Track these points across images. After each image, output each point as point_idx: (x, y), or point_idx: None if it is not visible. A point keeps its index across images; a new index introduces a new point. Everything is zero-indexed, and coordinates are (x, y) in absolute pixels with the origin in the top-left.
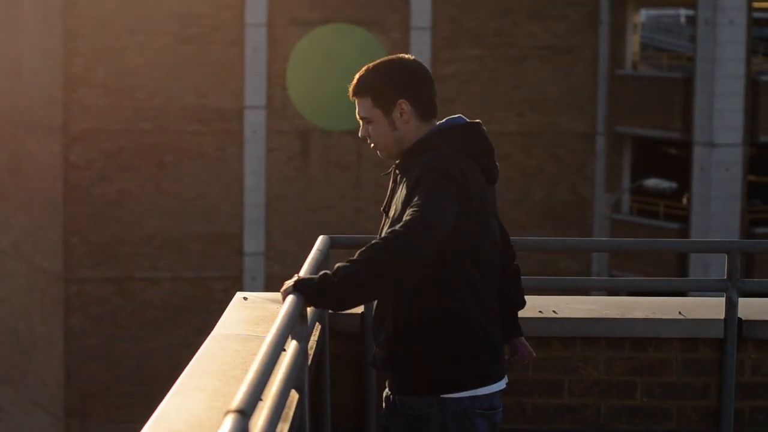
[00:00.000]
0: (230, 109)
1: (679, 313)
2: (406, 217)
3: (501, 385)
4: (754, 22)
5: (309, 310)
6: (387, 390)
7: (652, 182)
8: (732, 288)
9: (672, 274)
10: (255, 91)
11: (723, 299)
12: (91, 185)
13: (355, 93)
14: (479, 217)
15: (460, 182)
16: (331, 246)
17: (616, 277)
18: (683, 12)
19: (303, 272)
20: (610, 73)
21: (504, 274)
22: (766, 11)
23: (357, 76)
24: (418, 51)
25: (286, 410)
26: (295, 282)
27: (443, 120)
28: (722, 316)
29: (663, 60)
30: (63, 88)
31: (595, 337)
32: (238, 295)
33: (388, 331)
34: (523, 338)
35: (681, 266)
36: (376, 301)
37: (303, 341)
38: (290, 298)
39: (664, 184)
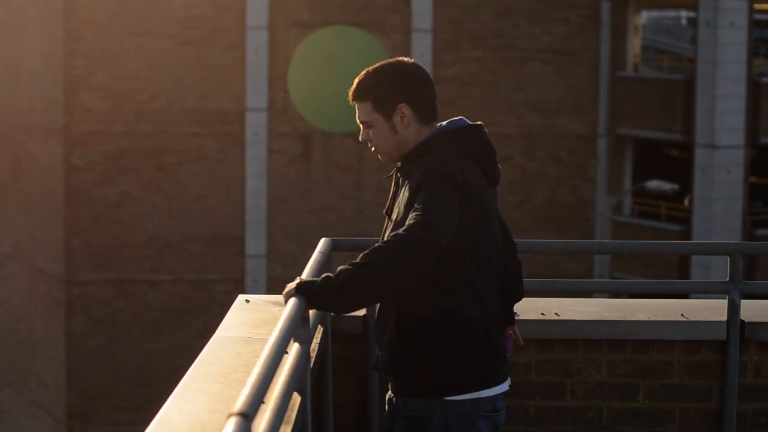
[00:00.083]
0: (231, 112)
1: (682, 315)
2: (408, 221)
3: (504, 387)
4: (755, 24)
5: (311, 312)
6: (389, 392)
7: (653, 184)
8: (734, 290)
9: (674, 276)
10: (256, 94)
11: (725, 301)
12: (92, 187)
13: (355, 98)
14: (480, 219)
15: (461, 185)
16: (333, 248)
17: (619, 280)
18: (684, 14)
19: (305, 275)
20: (611, 75)
21: (505, 275)
22: (767, 13)
23: (356, 81)
24: (419, 53)
25: (288, 413)
26: (297, 284)
27: (444, 122)
28: (724, 318)
29: (664, 62)
30: (64, 90)
31: (598, 339)
32: (240, 298)
33: (391, 333)
34: (515, 328)
35: (683, 268)
36: (378, 304)
37: (305, 344)
38: (292, 300)
39: (665, 186)
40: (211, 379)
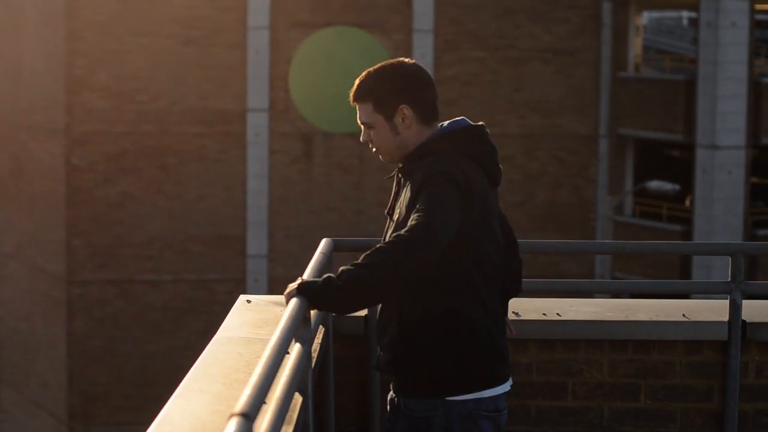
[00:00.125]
0: (233, 112)
1: (683, 315)
2: (410, 222)
3: (506, 387)
4: (756, 25)
5: (312, 313)
6: (391, 392)
7: (654, 184)
8: (736, 290)
9: (675, 277)
10: (257, 94)
11: (727, 301)
12: (93, 187)
13: (356, 98)
14: (482, 220)
15: (462, 186)
16: (335, 249)
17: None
18: (685, 14)
19: (306, 275)
20: (613, 76)
21: (506, 275)
22: None
23: (357, 82)
24: (421, 54)
25: (289, 413)
26: (299, 285)
27: (445, 123)
28: (726, 318)
29: (665, 62)
30: (65, 90)
31: (599, 339)
32: (242, 298)
33: (392, 333)
34: (507, 319)
35: (684, 269)
36: (379, 304)
37: (307, 344)
38: (294, 301)
39: (666, 186)
40: (212, 379)
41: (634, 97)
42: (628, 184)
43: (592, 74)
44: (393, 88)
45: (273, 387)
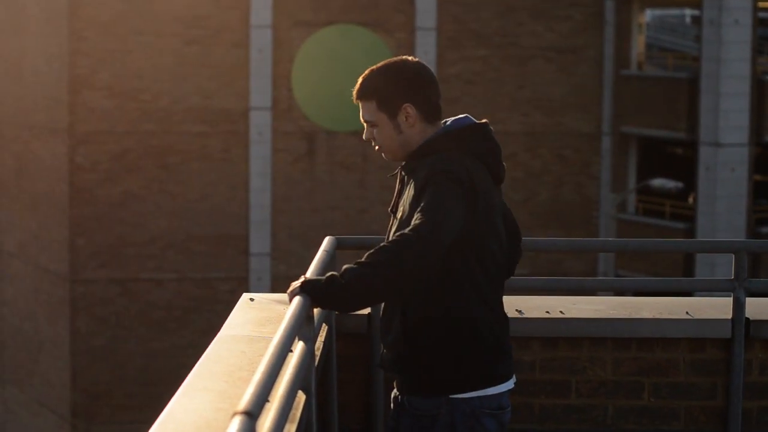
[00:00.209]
0: (235, 111)
1: (687, 313)
2: (414, 221)
3: (509, 384)
4: (759, 22)
5: (316, 311)
6: (395, 390)
7: (657, 182)
8: (739, 288)
9: (678, 274)
10: (260, 93)
11: (730, 299)
12: (96, 187)
13: (359, 96)
14: (485, 217)
15: (466, 184)
16: (338, 247)
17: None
18: (688, 12)
19: (309, 273)
20: (615, 73)
21: (509, 274)
22: None
23: (360, 80)
24: (423, 52)
25: (293, 411)
26: (302, 283)
27: (449, 120)
28: (729, 316)
29: (668, 60)
30: (68, 89)
31: (602, 337)
32: (245, 296)
33: (396, 331)
34: None
35: (687, 266)
36: (383, 303)
37: (310, 342)
38: (297, 299)
39: (669, 183)
40: (215, 377)
41: (637, 95)
42: (631, 182)
43: (595, 72)
44: (397, 87)
45: (276, 385)
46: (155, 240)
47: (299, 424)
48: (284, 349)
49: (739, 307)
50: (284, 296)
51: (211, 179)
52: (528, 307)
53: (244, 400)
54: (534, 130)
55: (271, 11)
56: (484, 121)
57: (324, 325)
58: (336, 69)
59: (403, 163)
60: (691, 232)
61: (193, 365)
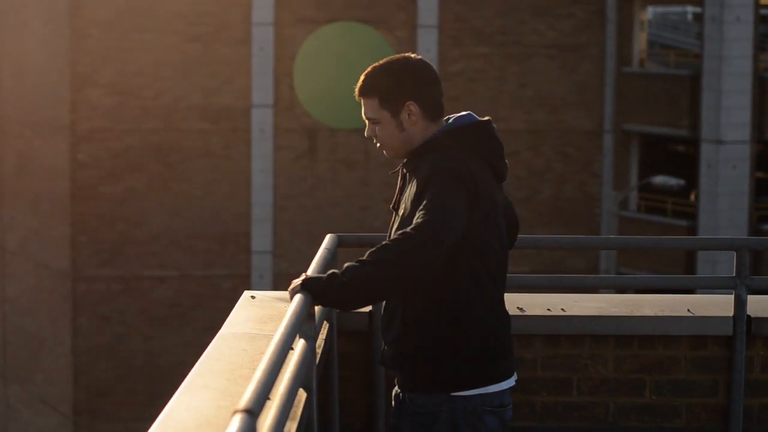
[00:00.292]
0: (237, 108)
1: (688, 310)
2: (416, 220)
3: (510, 382)
4: (761, 19)
5: (317, 308)
6: (396, 388)
7: (659, 179)
8: (741, 285)
9: (680, 272)
10: (262, 90)
11: (732, 296)
12: (98, 184)
13: (362, 94)
14: (487, 216)
15: (468, 182)
16: (339, 244)
17: (625, 275)
18: (690, 9)
19: (311, 271)
20: (617, 71)
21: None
22: None
23: (363, 77)
24: (425, 49)
25: (294, 409)
26: (303, 281)
27: (451, 118)
28: (731, 313)
29: (670, 57)
30: (70, 87)
31: (604, 334)
32: (246, 294)
33: (398, 329)
34: None
35: (689, 264)
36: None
37: (311, 340)
38: (298, 296)
39: (671, 181)
40: (216, 375)
41: (638, 93)
42: (633, 180)
43: (597, 70)
44: (400, 85)
45: (277, 383)
46: (157, 237)
47: (300, 421)
48: (285, 347)
49: (740, 304)
50: (285, 294)
51: (212, 177)
52: (529, 304)
53: (245, 397)
54: (536, 127)
55: (273, 8)
56: (486, 118)
57: (325, 322)
58: (338, 66)
59: (405, 160)
60: (692, 230)
61: (195, 363)
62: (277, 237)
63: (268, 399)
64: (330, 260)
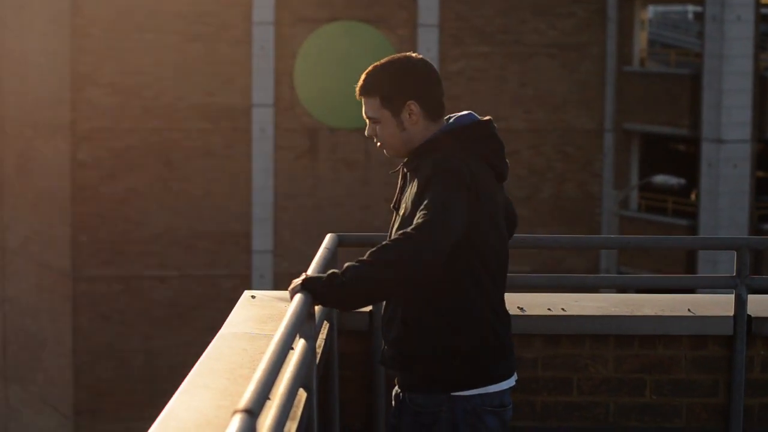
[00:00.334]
0: (238, 107)
1: (688, 310)
2: (417, 220)
3: (511, 382)
4: (761, 19)
5: (317, 308)
6: (396, 388)
7: (660, 179)
8: (741, 285)
9: (681, 271)
10: (262, 89)
11: (732, 296)
12: (98, 184)
13: (363, 93)
14: (488, 216)
15: (469, 182)
16: (340, 244)
17: (625, 275)
18: (691, 8)
19: (311, 270)
20: (618, 70)
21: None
22: None
23: (364, 76)
24: (426, 48)
25: (294, 409)
26: (303, 280)
27: (452, 118)
28: (731, 313)
29: (671, 56)
30: (70, 87)
31: (604, 334)
32: (246, 294)
33: (398, 329)
34: None
35: (689, 263)
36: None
37: (311, 340)
38: (298, 296)
39: (672, 180)
40: (217, 375)
41: (639, 92)
42: (634, 179)
43: (598, 69)
44: (401, 85)
45: (277, 383)
46: (158, 237)
47: (300, 421)
48: (285, 347)
49: (741, 304)
50: (286, 293)
51: (213, 176)
52: (530, 304)
53: (245, 397)
54: (537, 127)
55: (273, 8)
56: (487, 118)
57: (325, 322)
58: (338, 66)
59: (406, 159)
60: (693, 229)
61: (195, 363)
62: (277, 237)
63: (268, 399)
64: (330, 260)
